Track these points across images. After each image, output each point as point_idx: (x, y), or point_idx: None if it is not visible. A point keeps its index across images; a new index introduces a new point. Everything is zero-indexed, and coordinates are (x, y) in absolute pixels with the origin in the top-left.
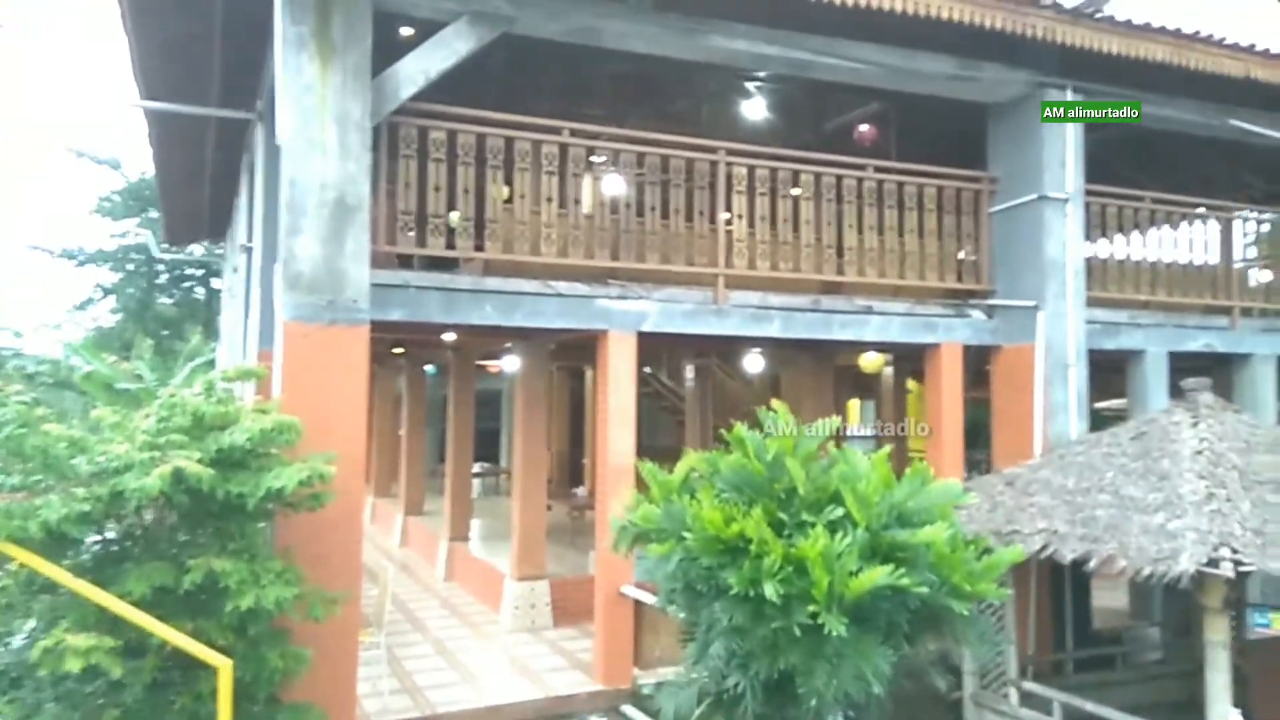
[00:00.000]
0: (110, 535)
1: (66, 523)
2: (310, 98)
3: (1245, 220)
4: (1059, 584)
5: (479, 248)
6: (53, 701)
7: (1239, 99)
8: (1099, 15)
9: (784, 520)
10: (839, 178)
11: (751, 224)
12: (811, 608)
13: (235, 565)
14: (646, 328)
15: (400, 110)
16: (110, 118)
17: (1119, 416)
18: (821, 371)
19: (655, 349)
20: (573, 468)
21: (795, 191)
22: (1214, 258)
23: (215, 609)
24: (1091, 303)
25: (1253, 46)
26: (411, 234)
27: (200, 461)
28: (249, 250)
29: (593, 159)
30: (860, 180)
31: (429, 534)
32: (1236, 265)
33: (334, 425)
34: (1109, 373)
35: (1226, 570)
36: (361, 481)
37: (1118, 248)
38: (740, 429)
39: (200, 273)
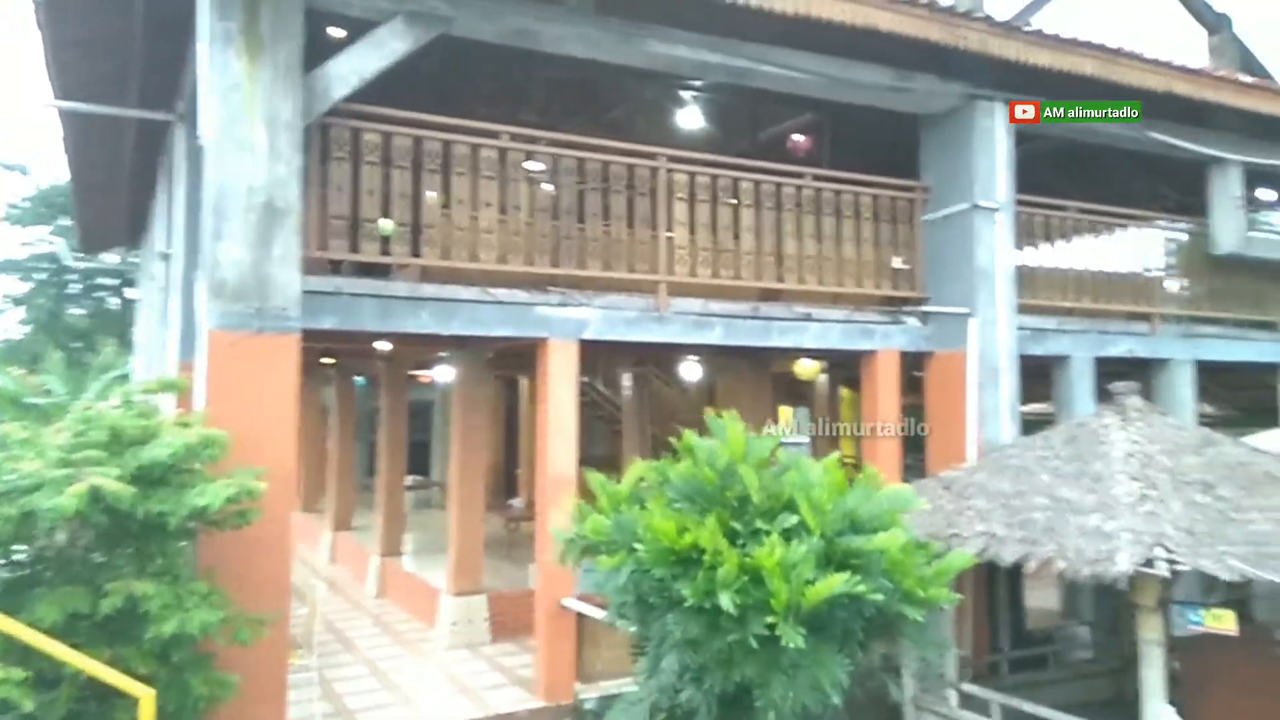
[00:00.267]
0: (19, 558)
1: None
2: (238, 96)
3: (1162, 229)
4: (994, 585)
5: (415, 254)
6: None
7: (1159, 112)
8: (1029, 29)
9: (738, 529)
10: (778, 185)
11: (692, 231)
12: (769, 618)
13: (157, 588)
14: (588, 335)
15: (333, 111)
16: (18, 119)
17: (1045, 420)
18: (758, 379)
19: (592, 357)
20: (507, 478)
21: (733, 201)
22: (1135, 266)
23: (135, 635)
24: (1021, 309)
25: (1172, 62)
26: (344, 240)
27: (119, 479)
28: (167, 257)
29: (528, 164)
30: (799, 188)
31: (359, 549)
32: (1155, 273)
33: (262, 439)
34: (1033, 377)
35: (1162, 570)
36: (291, 498)
37: (1046, 256)
38: (690, 436)
39: (115, 282)
